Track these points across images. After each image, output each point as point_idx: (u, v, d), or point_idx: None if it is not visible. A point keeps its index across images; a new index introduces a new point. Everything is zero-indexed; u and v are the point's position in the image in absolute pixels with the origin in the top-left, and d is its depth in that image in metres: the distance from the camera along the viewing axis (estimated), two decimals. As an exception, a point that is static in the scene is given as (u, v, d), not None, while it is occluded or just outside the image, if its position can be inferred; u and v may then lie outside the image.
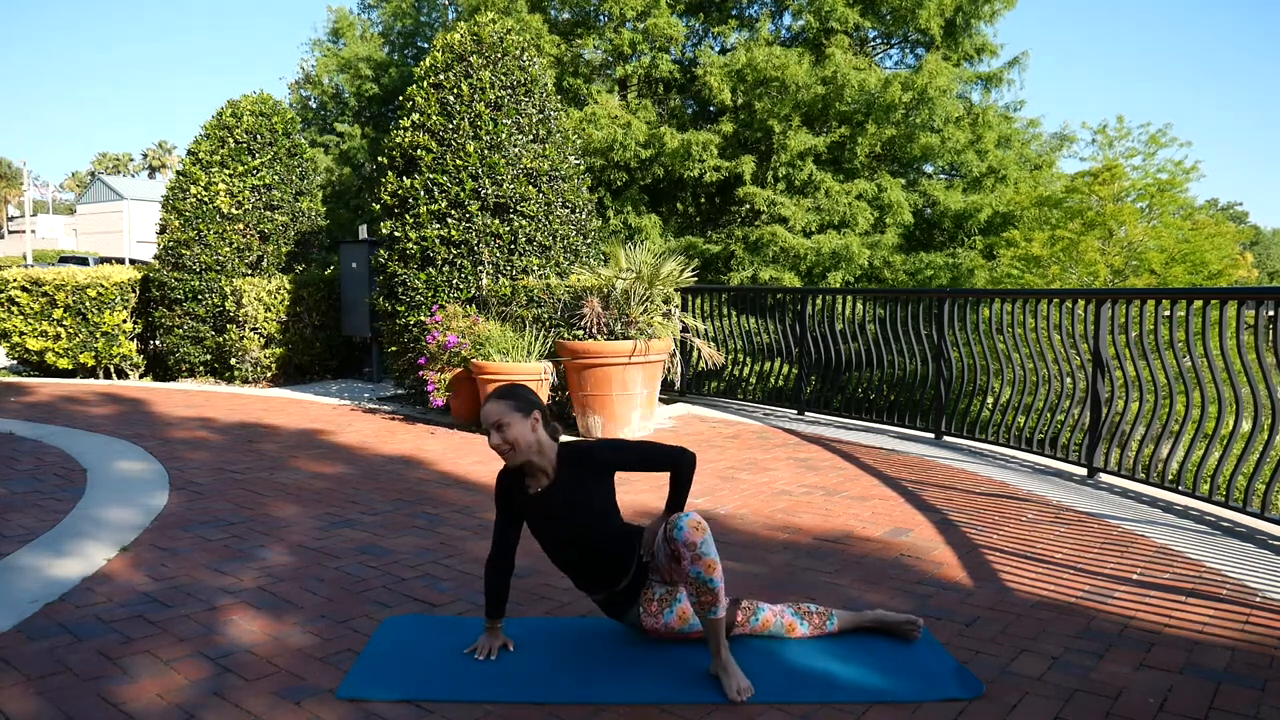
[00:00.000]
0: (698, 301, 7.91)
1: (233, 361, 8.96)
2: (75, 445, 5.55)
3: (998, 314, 5.96)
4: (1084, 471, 5.03)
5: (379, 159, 7.51)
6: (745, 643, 2.60)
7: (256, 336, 8.77)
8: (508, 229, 6.86)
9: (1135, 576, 3.27)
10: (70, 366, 9.44)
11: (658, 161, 16.26)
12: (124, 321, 9.43)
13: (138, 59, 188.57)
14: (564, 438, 2.81)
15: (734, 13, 18.05)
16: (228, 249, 9.04)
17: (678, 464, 2.59)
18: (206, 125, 9.29)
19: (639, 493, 4.42)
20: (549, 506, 2.56)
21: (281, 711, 2.26)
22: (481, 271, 6.84)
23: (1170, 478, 4.47)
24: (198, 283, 8.97)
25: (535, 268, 6.98)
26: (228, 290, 8.89)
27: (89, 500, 4.25)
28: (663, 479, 2.94)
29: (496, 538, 2.60)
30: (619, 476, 2.74)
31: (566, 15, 17.79)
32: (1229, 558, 3.52)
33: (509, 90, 7.06)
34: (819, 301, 7.21)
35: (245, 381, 8.99)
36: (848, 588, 3.16)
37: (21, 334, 9.44)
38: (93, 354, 9.36)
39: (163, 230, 9.24)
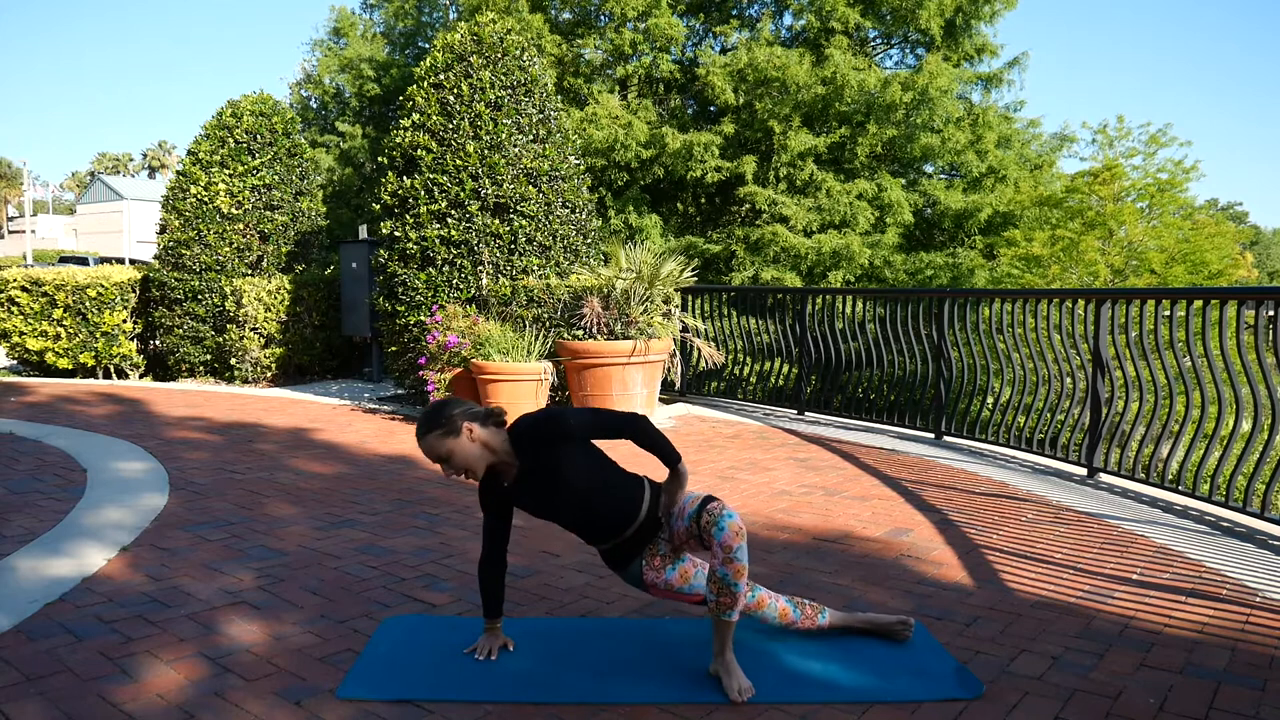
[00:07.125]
0: (698, 301, 7.91)
1: (233, 361, 8.97)
2: (75, 445, 5.55)
3: (998, 314, 5.96)
4: (1084, 471, 5.03)
5: (379, 159, 7.51)
6: (745, 643, 2.60)
7: (256, 336, 8.77)
8: (508, 229, 6.86)
9: (1135, 576, 3.27)
10: (70, 366, 9.44)
11: (659, 162, 16.25)
12: (124, 321, 9.43)
13: (138, 59, 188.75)
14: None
15: (734, 13, 18.05)
16: (228, 249, 9.05)
17: (634, 430, 2.42)
18: (206, 125, 9.30)
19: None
20: (530, 490, 2.51)
21: (281, 711, 2.26)
22: (481, 271, 6.84)
23: (1170, 478, 4.47)
24: (198, 283, 8.98)
25: (535, 268, 6.98)
26: (228, 290, 8.90)
27: (89, 500, 4.25)
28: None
29: (486, 539, 2.59)
30: None
31: (567, 15, 17.79)
32: (1229, 558, 3.52)
33: (509, 90, 7.06)
34: (819, 301, 7.21)
35: (245, 381, 8.99)
36: (848, 588, 3.15)
37: (21, 334, 9.44)
38: (93, 354, 9.36)
39: (163, 230, 9.25)
